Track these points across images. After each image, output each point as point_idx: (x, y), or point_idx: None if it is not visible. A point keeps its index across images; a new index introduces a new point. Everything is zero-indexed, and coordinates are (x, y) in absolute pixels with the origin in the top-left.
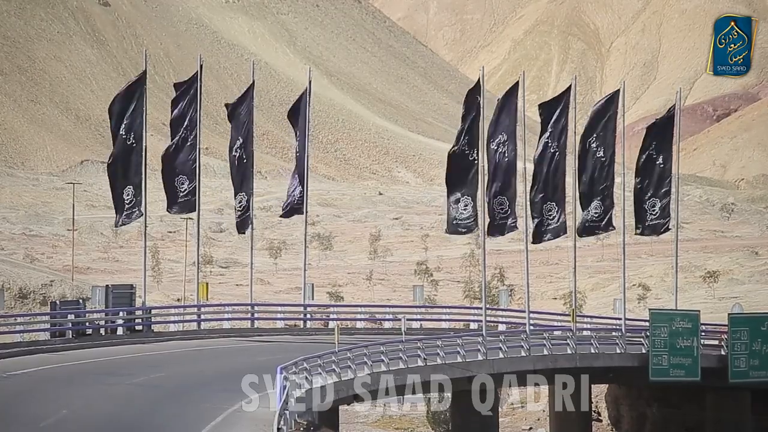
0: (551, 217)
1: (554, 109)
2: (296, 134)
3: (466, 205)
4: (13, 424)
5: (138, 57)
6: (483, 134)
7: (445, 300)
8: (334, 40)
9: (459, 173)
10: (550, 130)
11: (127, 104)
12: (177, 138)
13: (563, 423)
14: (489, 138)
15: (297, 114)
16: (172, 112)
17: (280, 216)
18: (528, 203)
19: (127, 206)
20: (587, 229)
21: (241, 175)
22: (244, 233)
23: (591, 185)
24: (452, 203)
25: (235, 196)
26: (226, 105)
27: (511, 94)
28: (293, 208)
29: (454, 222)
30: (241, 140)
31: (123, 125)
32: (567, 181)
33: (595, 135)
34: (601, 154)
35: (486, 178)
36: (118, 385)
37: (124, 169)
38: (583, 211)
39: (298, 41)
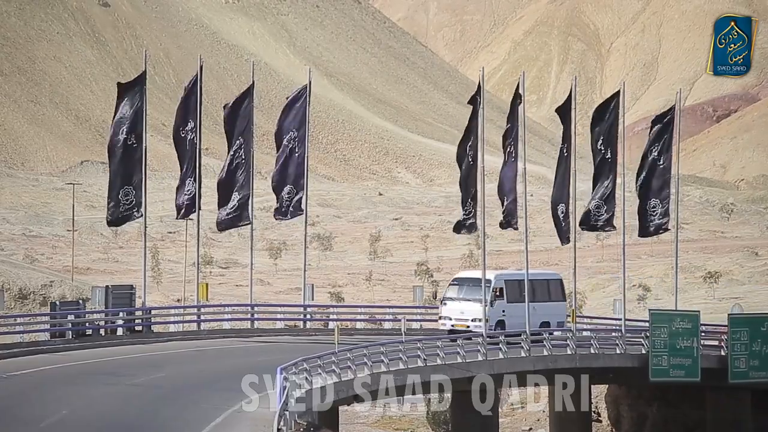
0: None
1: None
2: (286, 129)
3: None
4: (13, 424)
5: (138, 57)
6: (482, 134)
7: None
8: (334, 40)
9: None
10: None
11: (128, 104)
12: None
13: (563, 423)
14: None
15: (293, 110)
16: (177, 111)
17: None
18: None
19: (125, 207)
20: (589, 225)
21: (240, 174)
22: (223, 231)
23: (595, 185)
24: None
25: (230, 194)
26: (225, 107)
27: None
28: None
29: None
30: (241, 140)
31: (125, 126)
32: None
33: (601, 135)
34: (608, 155)
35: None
36: (118, 385)
37: (124, 170)
38: (585, 210)
39: (298, 42)
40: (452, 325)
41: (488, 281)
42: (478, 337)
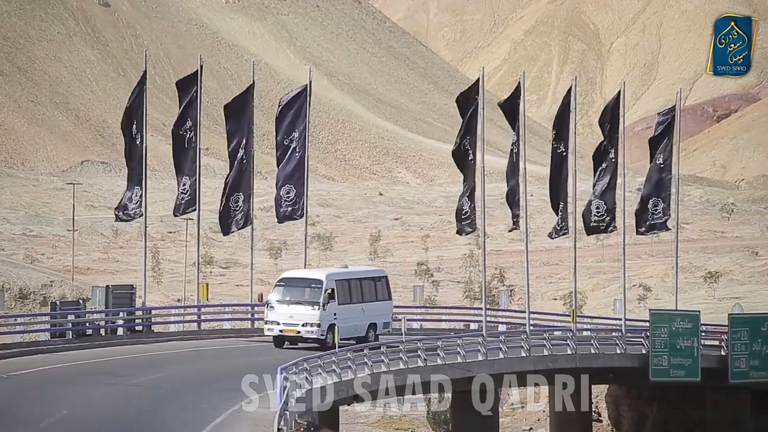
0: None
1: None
2: (282, 129)
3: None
4: (13, 424)
5: (138, 57)
6: (482, 135)
7: (446, 300)
8: (334, 40)
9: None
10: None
11: (135, 106)
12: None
13: (563, 423)
14: None
15: (292, 110)
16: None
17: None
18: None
19: (133, 206)
20: (592, 229)
21: (241, 175)
22: (231, 233)
23: (601, 185)
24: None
25: (232, 195)
26: (225, 107)
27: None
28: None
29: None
30: (242, 141)
31: (134, 126)
32: (569, 181)
33: (607, 137)
34: (612, 155)
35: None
36: (118, 385)
37: (136, 169)
38: (587, 210)
39: (298, 42)
40: (280, 331)
41: (318, 282)
42: (307, 343)
